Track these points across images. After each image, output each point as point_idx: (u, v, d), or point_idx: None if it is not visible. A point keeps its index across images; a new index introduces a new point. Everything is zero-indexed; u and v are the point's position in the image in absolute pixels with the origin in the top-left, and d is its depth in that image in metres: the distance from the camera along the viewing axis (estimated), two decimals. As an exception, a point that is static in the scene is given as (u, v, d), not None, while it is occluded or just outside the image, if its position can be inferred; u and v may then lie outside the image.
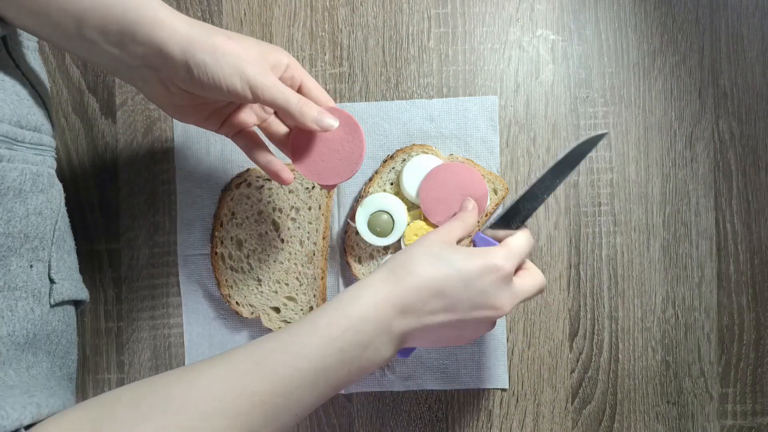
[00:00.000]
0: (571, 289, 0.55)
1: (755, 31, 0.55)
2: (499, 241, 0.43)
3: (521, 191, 0.44)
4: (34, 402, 0.34)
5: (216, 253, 0.54)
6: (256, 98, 0.39)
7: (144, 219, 0.56)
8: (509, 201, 0.44)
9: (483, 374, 0.55)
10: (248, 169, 0.55)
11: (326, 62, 0.56)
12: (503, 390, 0.55)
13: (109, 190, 0.56)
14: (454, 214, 0.50)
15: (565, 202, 0.55)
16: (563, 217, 0.55)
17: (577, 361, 0.55)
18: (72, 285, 0.45)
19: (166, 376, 0.35)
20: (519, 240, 0.42)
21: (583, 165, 0.55)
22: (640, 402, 0.55)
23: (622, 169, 0.55)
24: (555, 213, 0.55)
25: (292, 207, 0.54)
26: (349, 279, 0.55)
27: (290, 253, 0.54)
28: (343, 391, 0.55)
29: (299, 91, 0.44)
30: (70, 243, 0.46)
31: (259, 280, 0.54)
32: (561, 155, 0.43)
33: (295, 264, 0.54)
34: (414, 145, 0.54)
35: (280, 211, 0.54)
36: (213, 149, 0.56)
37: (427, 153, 0.53)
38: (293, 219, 0.54)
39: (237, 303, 0.54)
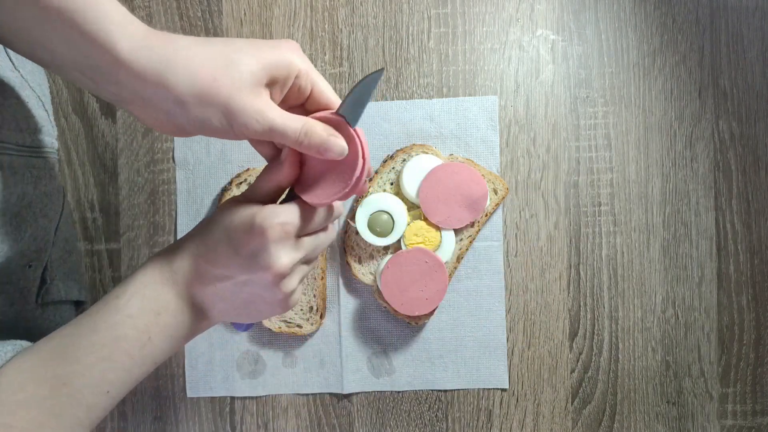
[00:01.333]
0: (571, 289, 0.55)
1: (755, 31, 0.55)
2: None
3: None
4: None
5: None
6: (242, 136, 0.33)
7: (144, 219, 0.56)
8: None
9: (483, 374, 0.55)
10: (248, 169, 0.55)
11: (326, 62, 0.56)
12: (503, 390, 0.55)
13: (109, 190, 0.56)
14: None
15: (565, 202, 0.55)
16: (563, 217, 0.55)
17: (577, 361, 0.55)
18: (67, 286, 0.45)
19: None
20: (313, 211, 0.35)
21: (583, 165, 0.55)
22: (640, 402, 0.55)
23: (622, 169, 0.55)
24: (555, 213, 0.55)
25: None
26: (349, 279, 0.55)
27: None
28: (343, 391, 0.55)
29: (309, 96, 0.36)
30: (72, 244, 0.46)
31: None
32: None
33: None
34: (414, 145, 0.54)
35: None
36: (213, 149, 0.56)
37: (427, 153, 0.53)
38: None
39: None
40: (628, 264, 0.55)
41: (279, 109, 0.33)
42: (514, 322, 0.55)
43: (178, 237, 0.56)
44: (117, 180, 0.56)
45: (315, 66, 0.55)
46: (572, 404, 0.55)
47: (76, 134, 0.56)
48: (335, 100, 0.36)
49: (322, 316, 0.54)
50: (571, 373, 0.55)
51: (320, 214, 0.36)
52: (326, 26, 0.56)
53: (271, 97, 0.34)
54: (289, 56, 0.33)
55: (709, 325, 0.55)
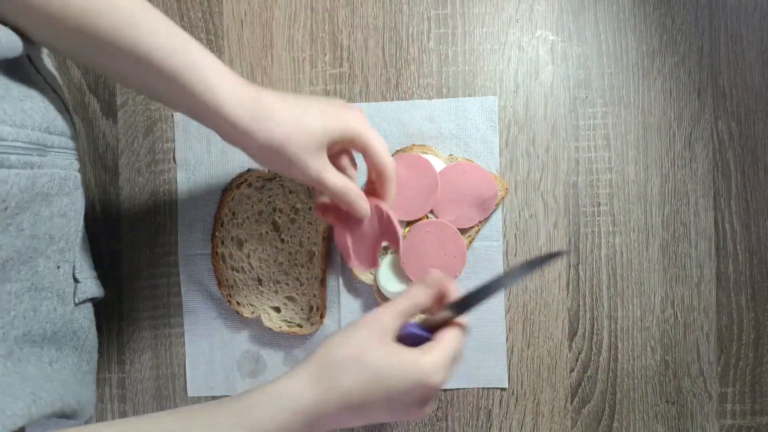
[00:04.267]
0: (571, 288, 0.55)
1: (754, 31, 0.55)
2: (432, 330, 0.40)
3: (480, 283, 0.40)
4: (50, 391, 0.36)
5: (217, 253, 0.54)
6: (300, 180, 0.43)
7: (145, 219, 0.56)
8: (463, 290, 0.41)
9: (482, 374, 0.55)
10: (249, 170, 0.55)
11: (326, 63, 0.56)
12: (503, 389, 0.55)
13: (110, 190, 0.57)
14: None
15: (565, 203, 0.55)
16: (562, 217, 0.55)
17: (577, 360, 0.55)
18: (92, 283, 0.46)
19: None
20: (451, 343, 0.39)
21: (582, 165, 0.55)
22: (639, 401, 0.55)
23: (622, 169, 0.55)
24: (554, 213, 0.55)
25: (293, 207, 0.54)
26: (348, 279, 0.55)
27: (290, 254, 0.54)
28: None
29: (365, 154, 0.45)
30: (86, 242, 0.47)
31: (260, 280, 0.54)
32: (530, 261, 0.40)
33: (296, 264, 0.54)
34: (414, 145, 0.54)
35: (281, 211, 0.54)
36: (213, 149, 0.56)
37: (426, 153, 0.53)
38: (293, 219, 0.54)
39: (237, 303, 0.54)
40: (627, 264, 0.55)
41: (333, 170, 0.42)
42: (514, 322, 0.55)
43: (179, 237, 0.56)
44: (118, 180, 0.57)
45: (315, 67, 0.56)
46: (571, 404, 0.55)
47: (77, 134, 0.56)
48: (385, 160, 0.44)
49: (322, 316, 0.54)
50: (570, 372, 0.55)
51: (457, 343, 0.40)
52: (326, 27, 0.56)
53: (331, 148, 0.42)
54: (347, 122, 0.42)
55: (708, 325, 0.55)
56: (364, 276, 0.54)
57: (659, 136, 0.55)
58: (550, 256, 0.40)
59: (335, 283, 0.56)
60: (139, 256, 0.56)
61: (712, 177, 0.55)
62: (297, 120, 0.40)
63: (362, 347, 0.38)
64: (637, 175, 0.55)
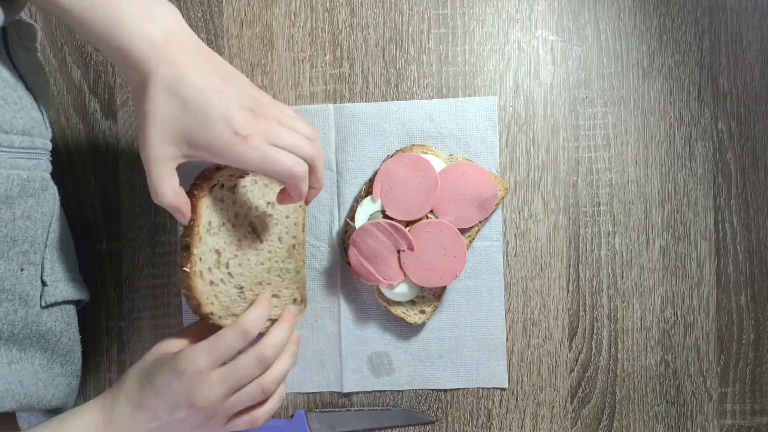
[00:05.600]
0: (570, 288, 0.55)
1: (754, 31, 0.55)
2: None
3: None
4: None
5: (194, 273, 0.44)
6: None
7: (145, 219, 0.56)
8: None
9: (482, 374, 0.55)
10: (218, 168, 0.48)
11: (326, 63, 0.56)
12: (502, 389, 0.55)
13: (110, 190, 0.57)
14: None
15: (564, 203, 0.55)
16: (562, 217, 0.55)
17: (577, 360, 0.55)
18: (68, 286, 0.45)
19: None
20: (219, 336, 0.41)
21: (582, 165, 0.55)
22: (639, 401, 0.55)
23: (621, 169, 0.55)
24: (554, 213, 0.55)
25: (269, 203, 0.50)
26: (348, 279, 0.55)
27: (270, 252, 0.50)
28: (342, 390, 0.55)
29: None
30: (68, 244, 0.46)
31: (241, 288, 0.47)
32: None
33: (276, 261, 0.50)
34: (414, 145, 0.54)
35: (257, 209, 0.49)
36: (213, 149, 0.56)
37: (426, 153, 0.53)
38: (270, 215, 0.50)
39: (219, 317, 0.46)
40: (627, 264, 0.55)
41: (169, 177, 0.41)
42: (514, 322, 0.55)
43: (179, 237, 0.56)
44: (118, 180, 0.57)
45: (315, 66, 0.56)
46: (571, 404, 0.55)
47: (77, 135, 0.57)
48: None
49: (303, 302, 0.53)
50: (570, 372, 0.55)
51: (227, 341, 0.41)
52: (326, 27, 0.56)
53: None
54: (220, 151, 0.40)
55: (708, 325, 0.55)
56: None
57: (659, 136, 0.55)
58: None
59: (335, 284, 0.56)
60: (139, 256, 0.56)
61: (712, 177, 0.55)
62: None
63: (146, 358, 0.42)
64: (637, 175, 0.55)
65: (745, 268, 0.55)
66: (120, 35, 0.35)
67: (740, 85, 0.55)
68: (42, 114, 0.42)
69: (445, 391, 0.55)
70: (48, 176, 0.42)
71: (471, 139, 0.55)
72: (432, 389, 0.55)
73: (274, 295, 0.51)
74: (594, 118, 0.55)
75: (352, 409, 0.55)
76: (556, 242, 0.55)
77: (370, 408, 0.55)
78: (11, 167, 0.38)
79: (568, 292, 0.55)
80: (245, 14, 0.56)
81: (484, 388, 0.55)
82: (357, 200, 0.55)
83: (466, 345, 0.55)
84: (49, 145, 0.42)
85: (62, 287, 0.44)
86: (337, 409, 0.55)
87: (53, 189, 0.42)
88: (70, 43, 0.57)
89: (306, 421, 0.53)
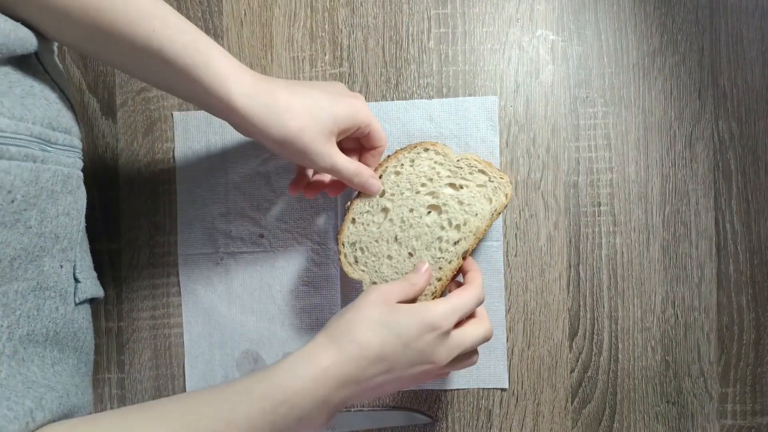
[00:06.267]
0: (571, 289, 0.55)
1: (755, 31, 0.55)
2: None
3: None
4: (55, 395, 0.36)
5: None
6: (313, 168, 0.45)
7: (144, 219, 0.56)
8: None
9: (483, 374, 0.55)
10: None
11: (326, 62, 0.56)
12: (503, 390, 0.55)
13: (110, 190, 0.56)
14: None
15: (565, 203, 0.55)
16: (563, 218, 0.55)
17: (577, 360, 0.55)
18: (93, 283, 0.46)
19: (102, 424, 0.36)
20: (462, 296, 0.43)
21: (582, 165, 0.55)
22: (640, 402, 0.55)
23: (622, 169, 0.55)
24: (555, 213, 0.55)
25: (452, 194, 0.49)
26: (349, 279, 0.55)
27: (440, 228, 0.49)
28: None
29: (366, 136, 0.48)
30: (86, 242, 0.47)
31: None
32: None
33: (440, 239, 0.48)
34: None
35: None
36: (213, 149, 0.56)
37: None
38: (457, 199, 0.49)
39: (362, 249, 0.49)
40: (628, 264, 0.55)
41: (342, 155, 0.45)
42: (514, 322, 0.55)
43: (179, 237, 0.56)
44: (118, 180, 0.56)
45: (315, 66, 0.56)
46: (572, 404, 0.55)
47: (82, 134, 0.56)
48: (383, 140, 0.49)
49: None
50: (570, 372, 0.55)
51: (469, 304, 0.43)
52: (326, 27, 0.56)
53: (339, 135, 0.45)
54: (356, 113, 0.45)
55: (708, 325, 0.55)
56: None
57: (660, 135, 0.55)
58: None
59: (336, 282, 0.56)
60: (138, 256, 0.56)
61: (713, 177, 0.55)
62: (309, 112, 0.42)
63: (370, 308, 0.41)
64: (637, 175, 0.55)
65: (745, 268, 0.55)
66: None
67: (741, 85, 0.55)
68: (75, 114, 0.43)
69: (445, 391, 0.55)
70: (81, 174, 0.43)
71: (471, 138, 0.55)
72: (432, 389, 0.55)
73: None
74: (594, 118, 0.55)
75: (352, 409, 0.55)
76: (556, 242, 0.55)
77: (370, 408, 0.55)
78: (57, 163, 0.39)
79: (568, 293, 0.55)
80: (245, 14, 0.56)
81: (484, 388, 0.55)
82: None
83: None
84: (81, 144, 0.43)
85: (89, 284, 0.45)
86: None
87: (83, 188, 0.43)
88: (70, 42, 0.57)
89: None
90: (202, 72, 0.39)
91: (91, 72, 0.57)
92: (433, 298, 0.48)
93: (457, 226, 0.48)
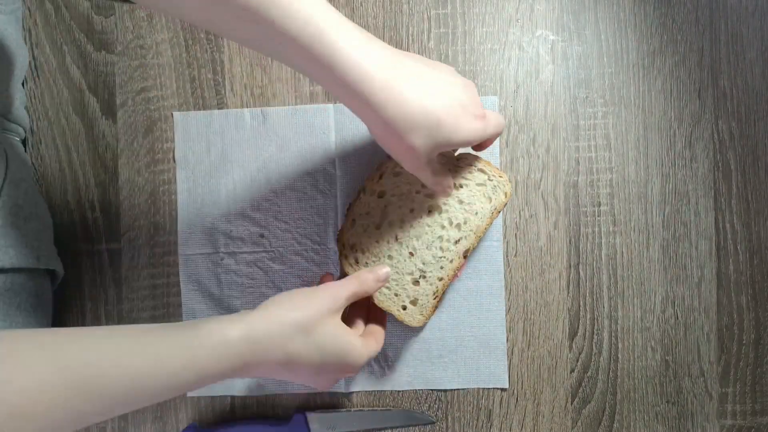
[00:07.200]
0: (571, 289, 0.55)
1: (755, 31, 0.55)
2: None
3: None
4: None
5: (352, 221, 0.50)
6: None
7: (144, 219, 0.56)
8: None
9: (483, 374, 0.55)
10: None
11: (326, 62, 0.56)
12: (503, 390, 0.55)
13: (110, 190, 0.57)
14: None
15: (565, 203, 0.55)
16: (563, 218, 0.55)
17: (577, 360, 0.55)
18: (19, 253, 0.47)
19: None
20: (380, 339, 0.47)
21: (582, 165, 0.55)
22: (640, 402, 0.55)
23: (622, 169, 0.55)
24: (555, 213, 0.55)
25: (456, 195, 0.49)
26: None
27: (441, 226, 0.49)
28: (343, 390, 0.55)
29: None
30: (27, 210, 0.48)
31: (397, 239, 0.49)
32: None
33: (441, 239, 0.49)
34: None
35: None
36: (213, 149, 0.56)
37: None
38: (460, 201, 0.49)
39: (362, 251, 0.49)
40: (628, 264, 0.55)
41: (435, 163, 0.44)
42: (514, 322, 0.55)
43: (179, 237, 0.56)
44: (117, 180, 0.56)
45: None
46: (572, 404, 0.55)
47: (77, 134, 0.56)
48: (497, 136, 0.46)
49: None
50: (570, 372, 0.55)
51: (382, 338, 0.48)
52: (326, 27, 0.56)
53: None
54: (472, 138, 0.42)
55: (708, 325, 0.55)
56: None
57: (660, 135, 0.55)
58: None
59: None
60: (138, 256, 0.56)
61: (713, 177, 0.55)
62: (428, 120, 0.39)
63: (315, 319, 0.40)
64: (637, 175, 0.55)
65: (745, 268, 0.55)
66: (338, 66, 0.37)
67: (741, 85, 0.55)
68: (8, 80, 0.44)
69: (445, 391, 0.55)
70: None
71: (471, 138, 0.55)
72: (432, 389, 0.55)
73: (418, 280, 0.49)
74: (594, 118, 0.55)
75: (352, 409, 0.55)
76: (556, 242, 0.55)
77: (370, 408, 0.55)
78: None
79: (568, 293, 0.55)
80: (245, 14, 0.56)
81: (484, 388, 0.55)
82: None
83: (467, 345, 0.55)
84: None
85: (12, 253, 0.47)
86: (337, 410, 0.55)
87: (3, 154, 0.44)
88: (70, 43, 0.56)
89: (306, 421, 0.53)
90: (324, 51, 0.36)
91: (91, 72, 0.57)
92: (436, 298, 0.48)
93: (458, 225, 0.48)
